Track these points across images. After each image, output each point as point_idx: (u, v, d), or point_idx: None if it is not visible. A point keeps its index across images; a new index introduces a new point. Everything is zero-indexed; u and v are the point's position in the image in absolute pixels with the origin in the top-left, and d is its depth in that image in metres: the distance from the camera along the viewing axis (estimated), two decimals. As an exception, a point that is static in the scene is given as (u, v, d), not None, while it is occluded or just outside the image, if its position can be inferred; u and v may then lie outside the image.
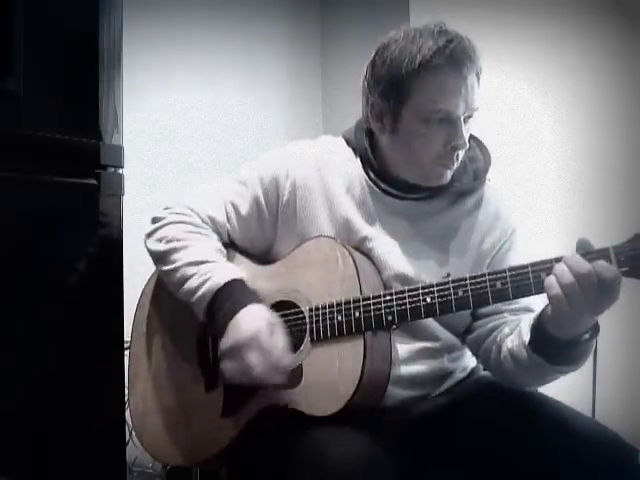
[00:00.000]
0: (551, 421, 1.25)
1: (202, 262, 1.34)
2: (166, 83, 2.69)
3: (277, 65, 3.09)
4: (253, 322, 1.25)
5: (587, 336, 1.15)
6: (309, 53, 3.21)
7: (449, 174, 1.36)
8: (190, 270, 1.33)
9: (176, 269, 1.35)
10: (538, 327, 1.19)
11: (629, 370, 2.69)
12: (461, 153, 1.34)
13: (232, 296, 1.29)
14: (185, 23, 2.76)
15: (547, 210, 2.80)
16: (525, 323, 1.25)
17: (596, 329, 1.16)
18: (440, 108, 1.29)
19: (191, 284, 1.32)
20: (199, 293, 1.31)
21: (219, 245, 1.41)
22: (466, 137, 1.32)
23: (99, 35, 1.46)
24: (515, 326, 1.30)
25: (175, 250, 1.37)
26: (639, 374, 2.69)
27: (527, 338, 1.22)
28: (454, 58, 1.27)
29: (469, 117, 1.33)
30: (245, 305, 1.27)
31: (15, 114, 1.36)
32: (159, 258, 1.40)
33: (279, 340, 1.24)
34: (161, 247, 1.39)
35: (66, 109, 1.44)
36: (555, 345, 1.17)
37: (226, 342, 1.26)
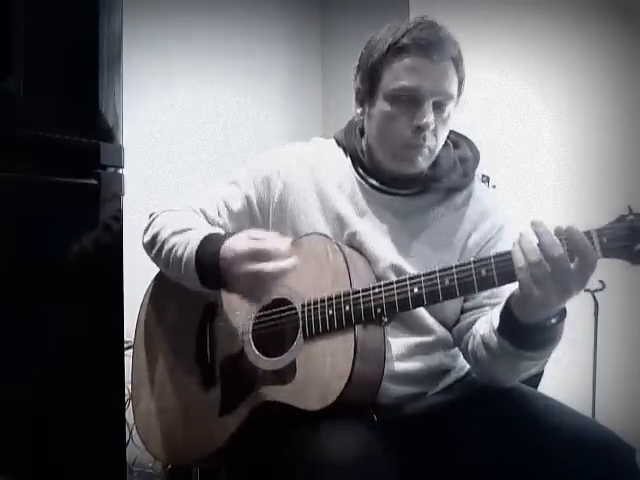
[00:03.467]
0: (549, 421, 1.25)
1: (182, 231, 1.36)
2: (166, 83, 2.70)
3: (277, 65, 3.09)
4: (236, 244, 1.25)
5: (554, 321, 1.16)
6: (309, 53, 3.22)
7: (421, 160, 1.36)
8: (172, 241, 1.36)
9: (161, 247, 1.38)
10: (506, 312, 1.20)
11: (629, 370, 2.70)
12: (430, 136, 1.34)
13: (213, 241, 1.30)
14: (185, 23, 2.77)
15: (547, 210, 2.80)
16: (497, 311, 1.26)
17: (563, 314, 1.16)
18: (403, 85, 1.31)
19: (176, 254, 1.34)
20: (185, 257, 1.32)
21: (200, 219, 1.43)
22: (432, 119, 1.32)
23: (99, 35, 1.46)
24: (489, 315, 1.31)
25: (159, 232, 1.41)
26: (639, 374, 2.69)
27: (496, 323, 1.23)
28: (421, 39, 1.30)
29: (441, 103, 1.33)
30: (227, 238, 1.28)
31: (15, 114, 1.36)
32: (149, 246, 1.43)
33: (264, 236, 1.25)
34: (149, 235, 1.43)
35: (66, 109, 1.43)
36: (520, 329, 1.17)
37: (229, 277, 1.26)
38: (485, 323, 1.30)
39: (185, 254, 1.32)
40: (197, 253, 1.30)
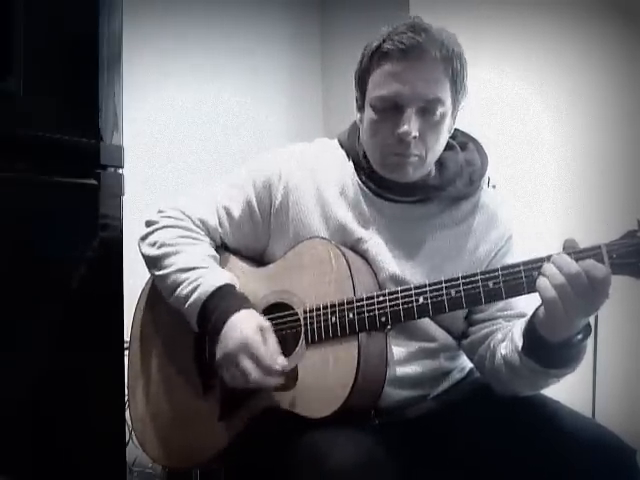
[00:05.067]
0: (549, 422, 1.24)
1: (193, 268, 1.34)
2: (166, 83, 2.70)
3: (277, 65, 3.09)
4: (244, 329, 1.25)
5: (579, 337, 1.15)
6: (309, 53, 3.21)
7: (412, 170, 1.32)
8: (181, 277, 1.34)
9: (168, 275, 1.37)
10: (530, 331, 1.19)
11: (629, 370, 2.70)
12: (416, 144, 1.29)
13: (222, 303, 1.30)
14: (185, 23, 2.76)
15: (547, 210, 2.80)
16: (517, 328, 1.25)
17: (588, 330, 1.16)
18: (382, 94, 1.28)
19: (182, 291, 1.33)
20: (190, 301, 1.32)
21: (211, 250, 1.41)
22: (413, 128, 1.27)
23: (99, 35, 1.46)
24: (508, 332, 1.29)
25: (167, 255, 1.38)
26: (639, 374, 2.69)
27: (520, 343, 1.22)
28: (401, 44, 1.26)
29: (426, 109, 1.28)
30: (235, 311, 1.28)
31: (15, 114, 1.36)
32: (152, 262, 1.41)
33: (270, 345, 1.25)
34: (153, 252, 1.40)
35: (66, 109, 1.43)
36: (548, 348, 1.16)
37: (220, 351, 1.27)
38: (504, 342, 1.28)
39: (191, 299, 1.32)
40: (203, 305, 1.31)
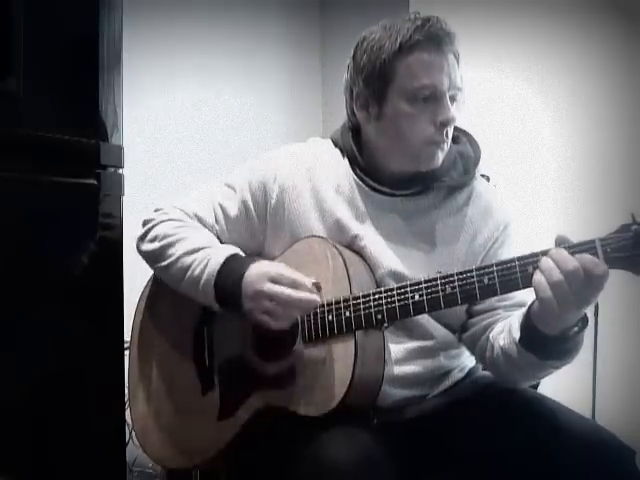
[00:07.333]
0: (548, 422, 1.24)
1: (198, 249, 1.34)
2: (166, 83, 2.70)
3: (277, 65, 3.09)
4: (262, 269, 1.27)
5: (576, 329, 1.16)
6: (309, 53, 3.22)
7: (440, 156, 1.35)
8: (188, 259, 1.34)
9: (174, 262, 1.36)
10: (527, 324, 1.19)
11: (629, 370, 2.69)
12: (450, 130, 1.34)
13: (234, 267, 1.30)
14: (185, 23, 2.76)
15: (547, 210, 2.80)
16: (515, 320, 1.25)
17: (585, 322, 1.16)
18: (425, 83, 1.30)
19: (193, 273, 1.33)
20: (203, 279, 1.31)
21: (211, 235, 1.42)
22: (454, 114, 1.32)
23: (99, 35, 1.46)
24: (507, 323, 1.30)
25: (170, 245, 1.38)
26: (639, 374, 2.69)
27: (517, 335, 1.22)
28: (432, 34, 1.29)
29: (454, 97, 1.33)
30: (248, 267, 1.29)
31: (15, 114, 1.36)
32: (155, 256, 1.40)
33: (289, 269, 1.27)
34: (155, 245, 1.40)
35: (66, 109, 1.44)
36: (545, 341, 1.17)
37: (247, 300, 1.27)
38: (503, 333, 1.29)
39: (204, 277, 1.31)
40: (217, 277, 1.30)
